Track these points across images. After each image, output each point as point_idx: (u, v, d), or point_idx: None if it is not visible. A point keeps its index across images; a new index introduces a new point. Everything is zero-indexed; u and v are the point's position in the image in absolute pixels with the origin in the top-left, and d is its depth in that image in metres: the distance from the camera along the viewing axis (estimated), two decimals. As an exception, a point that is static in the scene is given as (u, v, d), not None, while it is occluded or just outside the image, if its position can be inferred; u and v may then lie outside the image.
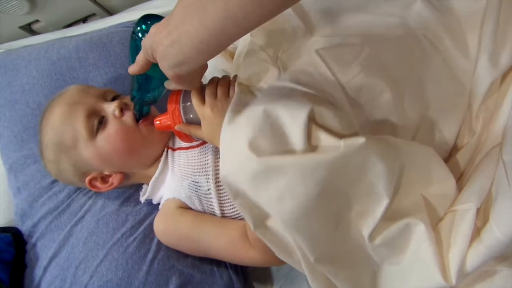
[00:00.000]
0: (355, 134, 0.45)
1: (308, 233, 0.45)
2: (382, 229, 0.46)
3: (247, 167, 0.45)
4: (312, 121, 0.45)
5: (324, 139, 0.43)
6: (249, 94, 0.53)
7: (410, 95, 0.53)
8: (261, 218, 0.47)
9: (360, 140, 0.43)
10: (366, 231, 0.46)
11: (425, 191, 0.49)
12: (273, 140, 0.45)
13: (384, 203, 0.45)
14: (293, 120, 0.45)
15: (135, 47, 0.54)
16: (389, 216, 0.46)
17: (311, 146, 0.43)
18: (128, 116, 0.63)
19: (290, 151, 0.44)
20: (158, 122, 0.60)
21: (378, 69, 0.52)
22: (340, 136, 0.44)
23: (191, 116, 0.58)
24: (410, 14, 0.56)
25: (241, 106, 0.49)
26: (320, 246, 0.46)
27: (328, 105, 0.47)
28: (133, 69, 0.51)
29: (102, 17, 1.04)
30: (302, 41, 0.58)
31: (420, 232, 0.45)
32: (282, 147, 0.44)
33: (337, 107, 0.48)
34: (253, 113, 0.47)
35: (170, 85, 0.54)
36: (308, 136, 0.44)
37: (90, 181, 0.65)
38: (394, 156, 0.47)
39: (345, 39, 0.54)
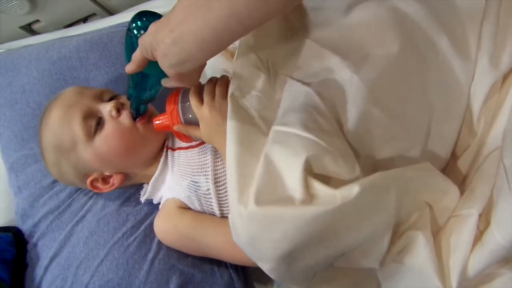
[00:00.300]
0: (356, 177, 0.44)
1: (303, 275, 0.45)
2: (389, 253, 0.46)
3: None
4: (308, 171, 0.43)
5: (320, 189, 0.42)
6: (241, 109, 0.52)
7: (412, 105, 0.52)
8: None
9: (355, 189, 0.41)
10: (374, 262, 0.46)
11: (430, 203, 0.49)
12: (272, 189, 0.44)
13: (388, 235, 0.45)
14: (290, 171, 0.43)
15: (131, 44, 0.53)
16: (394, 239, 0.46)
17: (309, 195, 0.42)
18: (125, 116, 0.63)
19: (288, 200, 0.43)
20: (157, 123, 0.60)
21: (374, 100, 0.50)
22: (338, 183, 0.43)
23: (190, 116, 0.58)
24: (411, 11, 0.55)
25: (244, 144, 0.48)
26: (312, 279, 0.47)
27: (326, 149, 0.45)
28: (129, 67, 0.50)
29: (102, 17, 1.04)
30: (298, 44, 0.57)
31: (419, 241, 0.45)
32: (281, 195, 0.43)
33: (335, 150, 0.46)
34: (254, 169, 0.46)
35: (167, 82, 0.54)
36: (306, 186, 0.43)
37: (92, 182, 0.65)
38: (393, 192, 0.45)
39: (337, 65, 0.52)
